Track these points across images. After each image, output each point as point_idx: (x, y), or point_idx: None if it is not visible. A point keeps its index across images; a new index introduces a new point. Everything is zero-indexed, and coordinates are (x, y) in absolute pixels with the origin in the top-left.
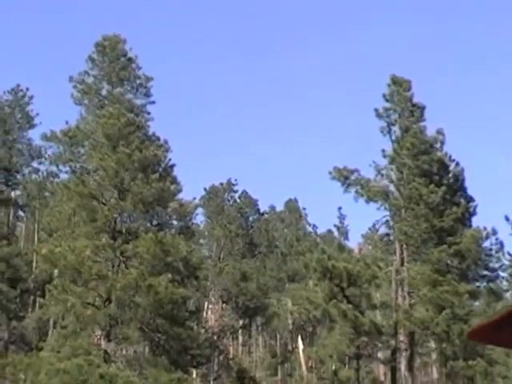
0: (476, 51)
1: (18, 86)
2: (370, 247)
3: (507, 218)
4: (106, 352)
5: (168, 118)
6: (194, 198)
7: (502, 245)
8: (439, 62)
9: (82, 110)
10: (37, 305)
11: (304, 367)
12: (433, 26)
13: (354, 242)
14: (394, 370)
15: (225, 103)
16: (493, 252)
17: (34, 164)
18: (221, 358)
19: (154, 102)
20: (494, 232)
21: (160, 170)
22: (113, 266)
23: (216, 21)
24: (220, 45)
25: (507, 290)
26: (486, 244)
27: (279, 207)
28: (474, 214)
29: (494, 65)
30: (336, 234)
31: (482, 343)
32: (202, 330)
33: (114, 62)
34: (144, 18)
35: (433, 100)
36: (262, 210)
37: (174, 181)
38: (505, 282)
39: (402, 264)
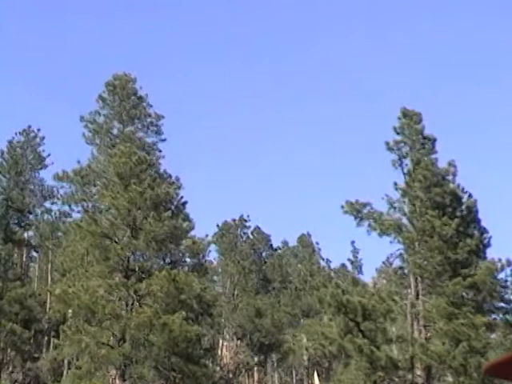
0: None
1: (30, 127)
2: (385, 281)
3: None
4: None
5: (180, 155)
6: (207, 235)
7: None
8: (448, 90)
9: (93, 149)
10: (51, 345)
11: None
12: (442, 55)
13: (368, 276)
14: None
15: (235, 139)
16: (508, 283)
17: (47, 204)
18: None
19: (164, 140)
20: (509, 263)
21: (172, 207)
22: (126, 305)
23: (227, 53)
24: (231, 76)
25: None
26: (501, 276)
27: (292, 242)
28: (488, 245)
29: (506, 90)
30: (350, 268)
31: (499, 378)
32: (217, 368)
33: (125, 101)
34: (153, 54)
35: (445, 130)
36: (275, 246)
37: (187, 218)
38: None
39: (417, 297)
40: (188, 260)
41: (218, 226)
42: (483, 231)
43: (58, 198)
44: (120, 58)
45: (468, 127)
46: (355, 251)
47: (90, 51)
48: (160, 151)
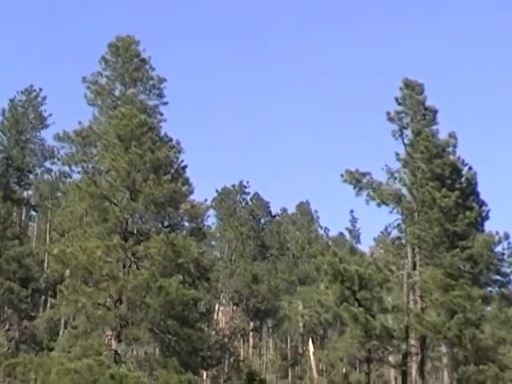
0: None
1: (32, 86)
2: (382, 250)
3: None
4: (116, 353)
5: (181, 120)
6: (206, 200)
7: None
8: (451, 63)
9: (94, 110)
10: (48, 305)
11: (314, 370)
12: (445, 26)
13: (365, 245)
14: (404, 374)
15: (237, 106)
16: (505, 257)
17: (47, 164)
18: (231, 360)
19: (166, 103)
20: (507, 237)
21: (172, 171)
22: (124, 267)
23: (229, 18)
24: (233, 46)
25: None
26: (499, 249)
27: (291, 210)
28: (486, 218)
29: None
30: (348, 236)
31: None
32: (213, 332)
33: (128, 63)
34: (156, 18)
35: (446, 102)
36: (273, 213)
37: (186, 182)
38: None
39: (414, 268)
40: (186, 224)
41: (217, 191)
42: (482, 204)
43: (58, 159)
44: (124, 19)
45: (470, 98)
46: (354, 220)
47: (94, 12)
48: (161, 114)
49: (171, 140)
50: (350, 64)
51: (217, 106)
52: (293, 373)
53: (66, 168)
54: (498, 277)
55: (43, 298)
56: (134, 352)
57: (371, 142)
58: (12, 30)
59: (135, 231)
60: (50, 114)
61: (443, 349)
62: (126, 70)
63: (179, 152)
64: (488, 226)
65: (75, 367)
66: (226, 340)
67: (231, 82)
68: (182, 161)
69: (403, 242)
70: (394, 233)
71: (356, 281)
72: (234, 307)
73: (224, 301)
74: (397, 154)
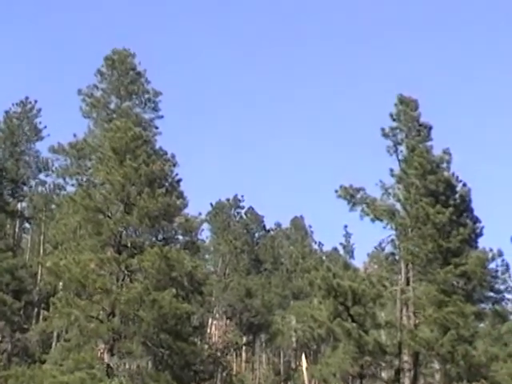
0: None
1: (27, 98)
2: (376, 266)
3: None
4: (108, 366)
5: (176, 133)
6: (200, 214)
7: (507, 266)
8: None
9: (90, 123)
10: (41, 317)
11: None
12: (438, 44)
13: (359, 261)
14: None
15: (231, 120)
16: (499, 274)
17: (41, 176)
18: (224, 374)
19: (162, 117)
20: (500, 254)
21: (166, 184)
22: (117, 280)
23: (224, 31)
24: (228, 57)
25: None
26: (492, 265)
27: (285, 224)
28: (480, 235)
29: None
30: (342, 252)
31: None
32: (206, 346)
33: (123, 76)
34: (152, 32)
35: (440, 118)
36: (267, 227)
37: (181, 196)
38: (510, 304)
39: (408, 284)
40: (180, 237)
41: (211, 205)
42: (476, 220)
43: (52, 171)
44: (120, 32)
45: (464, 116)
46: (347, 236)
47: (89, 24)
48: (156, 128)
49: (166, 153)
50: (345, 79)
51: (211, 120)
52: None
53: (61, 180)
54: (492, 294)
55: (36, 310)
56: (127, 365)
57: (365, 157)
58: (7, 42)
59: (129, 244)
60: (45, 126)
61: (436, 365)
62: (121, 83)
63: (174, 165)
64: (482, 243)
65: (67, 380)
66: (218, 354)
67: (226, 97)
68: (177, 174)
69: (397, 257)
70: (388, 248)
71: (349, 296)
72: (227, 321)
73: (217, 315)
74: (391, 170)
